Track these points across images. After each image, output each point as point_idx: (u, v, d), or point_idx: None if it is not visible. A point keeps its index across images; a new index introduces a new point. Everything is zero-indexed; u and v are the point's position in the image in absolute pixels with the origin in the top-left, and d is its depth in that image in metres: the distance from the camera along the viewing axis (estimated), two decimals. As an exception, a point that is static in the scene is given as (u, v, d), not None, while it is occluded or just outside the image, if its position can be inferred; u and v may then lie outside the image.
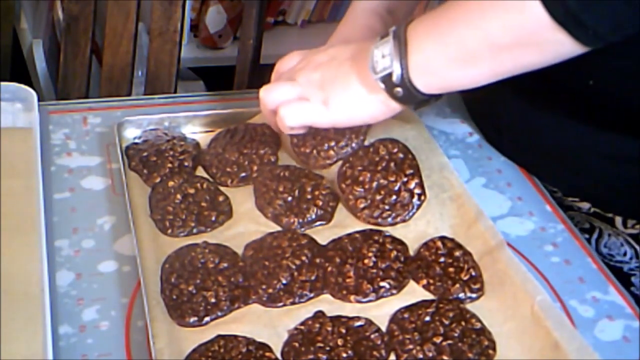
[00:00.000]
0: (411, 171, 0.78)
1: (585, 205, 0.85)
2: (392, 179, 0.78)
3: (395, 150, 0.80)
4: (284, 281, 0.70)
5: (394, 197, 0.78)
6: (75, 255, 0.73)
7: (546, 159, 0.86)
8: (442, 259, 0.73)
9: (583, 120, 0.80)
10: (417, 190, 0.78)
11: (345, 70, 0.74)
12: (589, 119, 0.79)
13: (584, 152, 0.82)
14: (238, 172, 0.82)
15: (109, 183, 0.82)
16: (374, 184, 0.78)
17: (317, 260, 0.72)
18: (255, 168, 0.82)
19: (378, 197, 0.77)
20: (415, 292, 0.71)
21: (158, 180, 0.81)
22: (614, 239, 0.84)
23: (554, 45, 0.64)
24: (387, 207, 0.77)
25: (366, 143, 0.81)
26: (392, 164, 0.79)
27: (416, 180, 0.78)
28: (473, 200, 0.77)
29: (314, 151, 0.81)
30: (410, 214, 0.78)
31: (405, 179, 0.78)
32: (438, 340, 0.66)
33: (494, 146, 0.91)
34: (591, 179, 0.83)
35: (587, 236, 0.84)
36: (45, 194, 0.77)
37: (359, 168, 0.79)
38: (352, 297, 0.70)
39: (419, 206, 0.78)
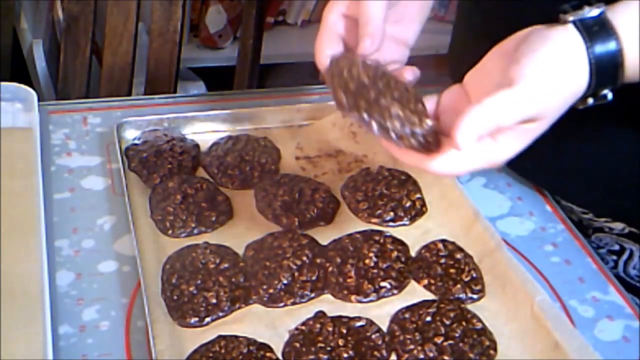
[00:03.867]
0: (413, 187, 0.81)
1: (619, 226, 0.83)
2: (395, 190, 0.79)
3: (397, 173, 0.82)
4: (285, 281, 0.70)
5: (395, 202, 0.79)
6: (75, 255, 0.73)
7: (578, 181, 0.82)
8: (443, 260, 0.73)
9: (624, 137, 0.76)
10: (418, 203, 0.79)
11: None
12: (629, 134, 0.76)
13: (628, 171, 0.78)
14: (239, 176, 0.82)
15: (109, 183, 0.82)
16: (377, 192, 0.79)
17: (318, 260, 0.72)
18: (256, 174, 0.82)
19: (380, 202, 0.78)
20: (416, 292, 0.71)
21: (158, 181, 0.81)
22: None
23: None
24: (388, 208, 0.78)
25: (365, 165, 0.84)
26: (394, 181, 0.81)
27: (417, 195, 0.80)
28: (470, 202, 0.77)
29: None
30: (411, 219, 0.78)
31: (406, 192, 0.79)
32: (439, 340, 0.66)
33: (517, 172, 0.87)
34: (631, 198, 0.79)
35: (615, 258, 0.83)
36: (45, 194, 0.77)
37: (362, 181, 0.80)
38: (353, 297, 0.70)
39: (420, 214, 0.79)
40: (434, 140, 0.59)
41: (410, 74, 0.70)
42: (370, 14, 0.68)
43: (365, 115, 0.58)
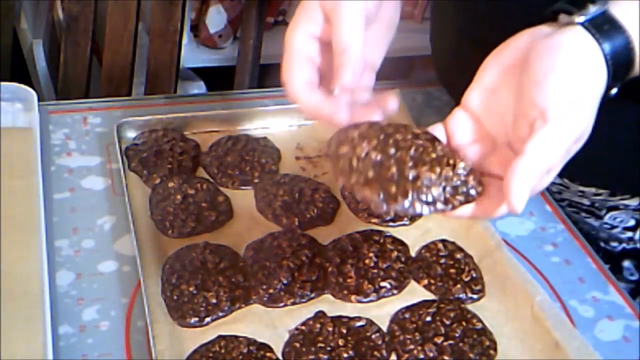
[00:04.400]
0: None
1: (634, 202, 0.81)
2: None
3: None
4: (285, 281, 0.70)
5: None
6: (75, 255, 0.73)
7: (595, 161, 0.76)
8: (443, 260, 0.73)
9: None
10: None
11: None
12: None
13: None
14: (239, 176, 0.82)
15: (109, 183, 0.82)
16: None
17: (318, 260, 0.72)
18: (256, 174, 0.82)
19: None
20: (416, 292, 0.71)
21: (158, 181, 0.81)
22: None
23: None
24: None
25: None
26: None
27: None
28: None
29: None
30: (411, 219, 0.78)
31: None
32: (439, 340, 0.66)
33: None
34: None
35: (630, 235, 0.82)
36: (45, 194, 0.77)
37: None
38: (353, 297, 0.70)
39: (419, 215, 0.78)
40: (475, 178, 0.55)
41: (394, 102, 0.63)
42: (348, 40, 0.59)
43: (405, 203, 0.53)
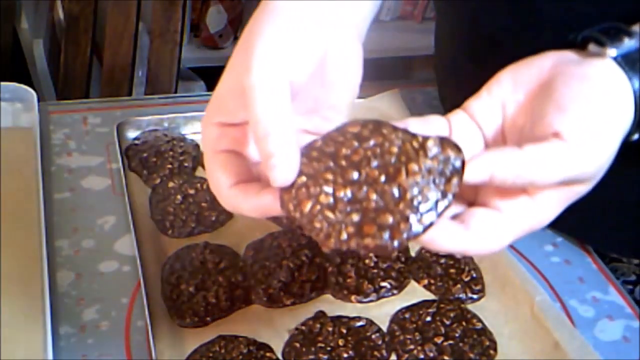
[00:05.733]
0: None
1: (635, 260, 0.80)
2: None
3: None
4: (285, 281, 0.70)
5: None
6: (75, 255, 0.73)
7: (602, 222, 0.73)
8: (443, 260, 0.73)
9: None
10: None
11: None
12: None
13: None
14: (239, 174, 0.82)
15: (109, 183, 0.82)
16: None
17: (318, 260, 0.72)
18: None
19: None
20: (416, 292, 0.71)
21: (158, 181, 0.81)
22: None
23: None
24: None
25: None
26: None
27: None
28: None
29: None
30: None
31: None
32: (439, 340, 0.66)
33: None
34: None
35: (630, 287, 0.81)
36: (45, 194, 0.77)
37: None
38: (353, 297, 0.70)
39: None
40: (451, 147, 0.46)
41: None
42: (267, 119, 0.45)
43: (412, 227, 0.43)
